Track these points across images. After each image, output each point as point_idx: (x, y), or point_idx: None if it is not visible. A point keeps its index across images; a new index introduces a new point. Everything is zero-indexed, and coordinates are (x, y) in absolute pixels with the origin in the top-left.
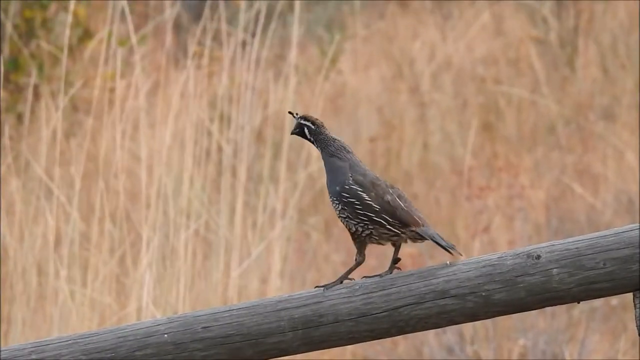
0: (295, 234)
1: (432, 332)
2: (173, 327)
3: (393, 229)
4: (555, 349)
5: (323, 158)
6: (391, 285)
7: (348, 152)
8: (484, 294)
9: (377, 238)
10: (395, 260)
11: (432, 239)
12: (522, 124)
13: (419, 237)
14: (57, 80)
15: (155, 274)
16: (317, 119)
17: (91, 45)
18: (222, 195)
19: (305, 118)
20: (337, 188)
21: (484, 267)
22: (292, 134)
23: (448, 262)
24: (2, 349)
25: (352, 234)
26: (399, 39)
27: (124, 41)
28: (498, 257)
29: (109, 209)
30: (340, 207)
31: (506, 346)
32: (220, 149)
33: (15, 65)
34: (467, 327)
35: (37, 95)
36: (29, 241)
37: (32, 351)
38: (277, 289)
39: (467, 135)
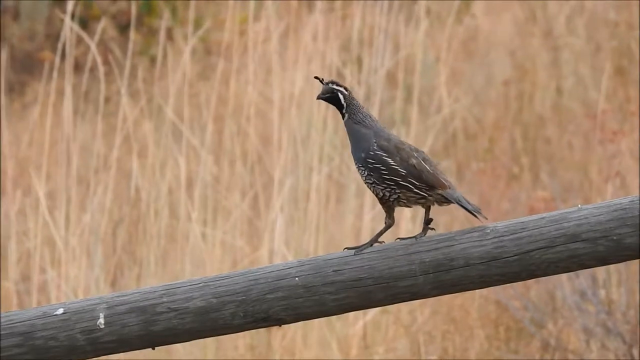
0: None
1: (564, 276)
2: (304, 270)
3: (420, 192)
4: None
5: (347, 125)
6: (522, 229)
7: (373, 120)
8: (615, 237)
9: (405, 202)
10: (428, 221)
11: (457, 202)
12: None
13: (445, 200)
14: (190, 23)
15: (287, 217)
16: (348, 87)
17: None
18: None
19: (337, 83)
20: (362, 155)
21: (615, 210)
22: (318, 98)
23: (579, 205)
24: (133, 291)
25: (380, 199)
26: None
27: None
28: (629, 201)
29: (241, 152)
30: (366, 173)
31: (638, 290)
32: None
33: (148, 8)
34: (600, 271)
35: (170, 38)
36: (161, 183)
37: (163, 294)
38: (408, 232)
39: (600, 79)
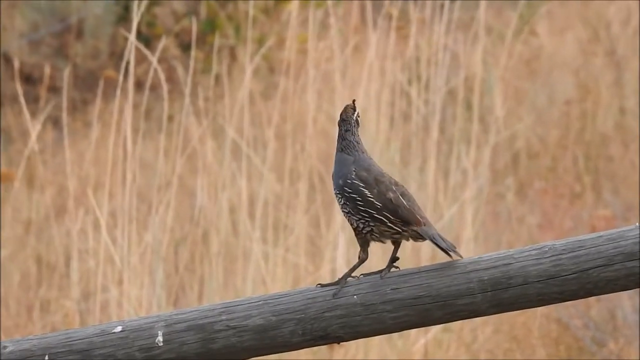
0: (489, 195)
1: (625, 294)
2: (362, 289)
3: (394, 227)
4: None
5: (336, 150)
6: (580, 247)
7: (359, 149)
8: None
9: (378, 235)
10: (394, 259)
11: (432, 240)
12: None
13: (419, 237)
14: (253, 42)
15: (349, 236)
16: (345, 114)
17: (287, 7)
18: (412, 156)
19: (348, 108)
20: (340, 182)
21: None
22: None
23: (637, 224)
24: (192, 309)
25: (354, 230)
26: (595, 2)
27: (320, 3)
28: None
29: (303, 170)
30: (342, 201)
31: None
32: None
33: (211, 26)
34: None
35: (233, 56)
36: (222, 202)
37: (222, 312)
38: (470, 252)
39: None
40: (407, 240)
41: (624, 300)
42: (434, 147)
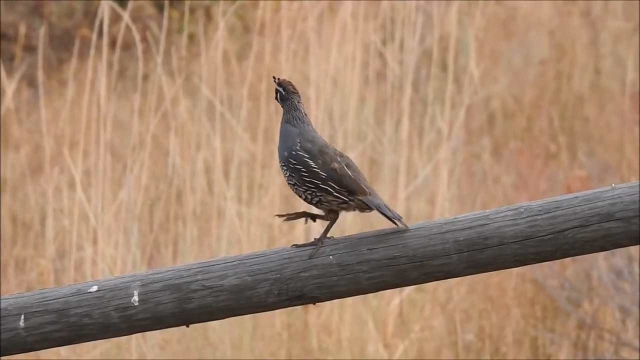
0: (464, 155)
1: (600, 254)
2: (338, 249)
3: (341, 197)
4: None
5: (281, 123)
6: (556, 208)
7: (304, 121)
8: None
9: (327, 205)
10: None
11: (378, 209)
12: None
13: (365, 207)
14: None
15: None
16: (291, 87)
17: None
18: (387, 116)
19: (280, 84)
20: (285, 153)
21: None
22: (275, 98)
23: (613, 185)
24: (168, 269)
25: (305, 201)
26: None
27: None
28: None
29: (276, 129)
30: (288, 173)
31: None
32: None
33: None
34: (636, 250)
35: (208, 16)
36: (197, 161)
37: (198, 271)
38: (445, 212)
39: (638, 59)
40: (354, 210)
41: (600, 260)
42: (408, 106)
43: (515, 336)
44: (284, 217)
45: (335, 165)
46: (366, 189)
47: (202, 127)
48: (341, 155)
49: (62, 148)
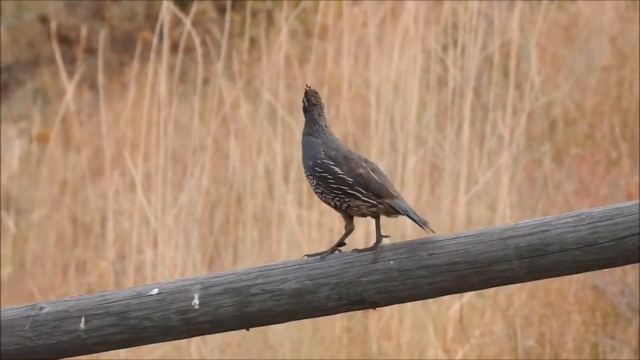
0: (525, 162)
1: None
2: (399, 254)
3: (369, 201)
4: None
5: (302, 134)
6: (617, 214)
7: (326, 133)
8: None
9: (356, 210)
10: (341, 243)
11: (405, 213)
12: None
13: (393, 211)
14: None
15: None
16: (313, 99)
17: None
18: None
19: (305, 93)
20: (310, 162)
21: None
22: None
23: None
24: (228, 272)
25: (334, 209)
26: None
27: None
28: None
29: (338, 134)
30: (315, 182)
31: None
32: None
33: None
34: None
35: (270, 20)
36: (257, 165)
37: (258, 275)
38: (505, 218)
39: None
40: (382, 214)
41: None
42: (469, 112)
43: (576, 342)
44: (317, 256)
45: (361, 170)
46: (393, 193)
47: (263, 131)
48: (366, 161)
49: (122, 150)
